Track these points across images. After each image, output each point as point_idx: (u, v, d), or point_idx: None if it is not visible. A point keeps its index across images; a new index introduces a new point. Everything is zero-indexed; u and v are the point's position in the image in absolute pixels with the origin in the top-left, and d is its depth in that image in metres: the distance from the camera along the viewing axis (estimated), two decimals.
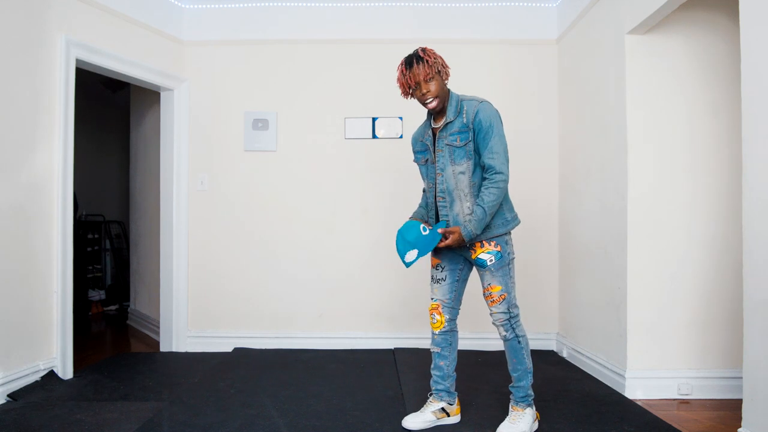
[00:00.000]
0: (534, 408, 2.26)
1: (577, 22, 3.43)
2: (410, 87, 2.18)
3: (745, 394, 1.97)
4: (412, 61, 2.16)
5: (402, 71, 2.18)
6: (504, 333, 2.21)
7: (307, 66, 3.86)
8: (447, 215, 2.22)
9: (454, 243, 2.14)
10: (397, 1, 3.81)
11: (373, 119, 3.83)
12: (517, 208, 2.36)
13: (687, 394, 2.74)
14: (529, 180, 3.79)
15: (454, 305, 2.33)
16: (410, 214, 2.49)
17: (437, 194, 2.23)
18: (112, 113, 6.19)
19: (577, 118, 3.50)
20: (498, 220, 2.19)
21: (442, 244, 2.17)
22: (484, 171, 2.14)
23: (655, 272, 2.78)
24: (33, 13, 2.81)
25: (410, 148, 2.47)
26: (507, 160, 2.14)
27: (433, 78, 2.14)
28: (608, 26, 2.99)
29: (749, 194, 1.95)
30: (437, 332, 2.32)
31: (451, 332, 2.34)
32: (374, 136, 3.83)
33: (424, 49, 2.18)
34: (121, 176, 6.12)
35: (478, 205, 2.11)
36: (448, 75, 2.20)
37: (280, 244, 3.84)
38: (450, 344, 2.34)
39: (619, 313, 2.86)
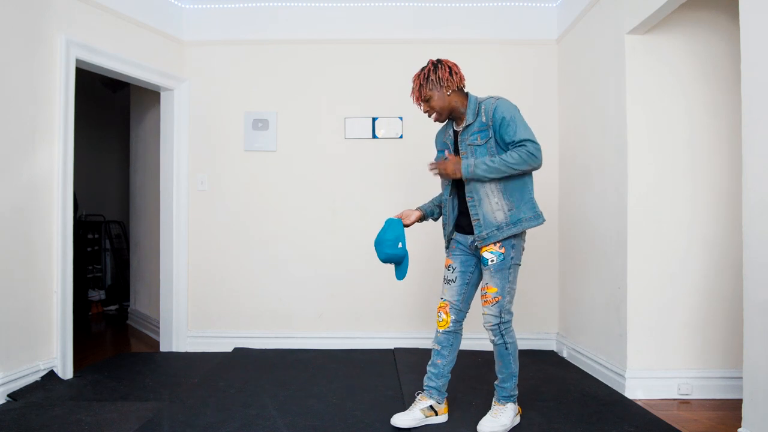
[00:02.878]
0: (516, 403, 2.31)
1: (577, 22, 3.43)
2: (418, 101, 2.30)
3: (745, 394, 1.97)
4: (413, 82, 2.28)
5: (412, 88, 2.31)
6: (493, 338, 2.24)
7: (307, 66, 3.86)
8: (477, 214, 2.22)
9: (447, 167, 2.20)
10: (397, 1, 3.81)
11: (373, 119, 3.83)
12: None
13: (687, 394, 2.74)
14: None
15: (461, 307, 2.34)
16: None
17: (466, 195, 2.25)
18: (112, 113, 6.19)
19: (577, 118, 3.50)
20: (515, 216, 2.19)
21: (435, 166, 2.26)
22: (514, 145, 2.15)
23: (655, 272, 2.78)
24: (33, 13, 2.81)
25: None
26: (537, 142, 2.14)
27: (429, 97, 2.24)
28: (608, 26, 2.99)
29: (749, 194, 1.95)
30: (441, 331, 2.34)
31: (454, 333, 2.35)
32: (374, 136, 3.83)
33: (424, 68, 2.27)
34: (121, 176, 6.12)
35: (498, 156, 2.13)
36: (454, 84, 2.23)
37: (280, 244, 3.84)
38: (451, 345, 2.35)
39: (619, 313, 2.86)
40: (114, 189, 6.24)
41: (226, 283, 3.84)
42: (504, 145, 2.17)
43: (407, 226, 2.41)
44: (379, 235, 2.34)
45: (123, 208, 5.94)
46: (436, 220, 2.51)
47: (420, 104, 2.29)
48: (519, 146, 2.12)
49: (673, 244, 2.78)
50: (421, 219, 2.45)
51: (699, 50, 2.76)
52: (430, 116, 2.30)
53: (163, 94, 3.84)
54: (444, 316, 2.33)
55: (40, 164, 2.88)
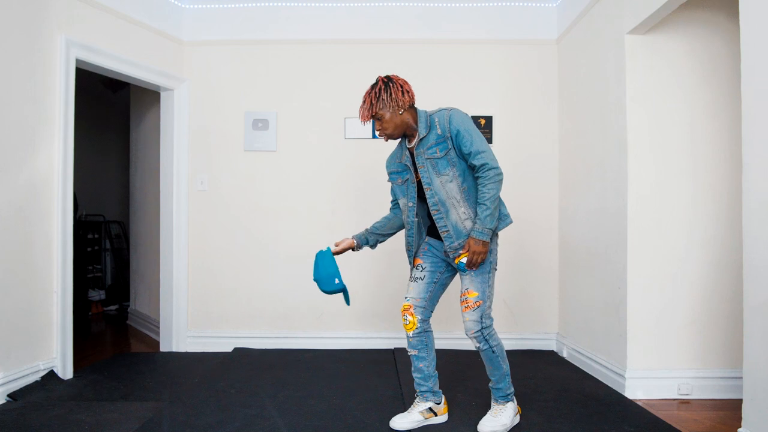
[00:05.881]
0: (515, 402, 2.31)
1: (577, 22, 3.43)
2: (365, 119, 2.25)
3: (745, 394, 1.97)
4: (362, 101, 2.23)
5: (360, 106, 2.25)
6: (478, 344, 2.21)
7: (307, 66, 3.86)
8: (445, 225, 2.20)
9: (476, 254, 2.11)
10: (397, 1, 3.81)
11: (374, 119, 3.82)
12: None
13: (687, 394, 2.74)
14: (529, 180, 3.79)
15: (426, 306, 2.32)
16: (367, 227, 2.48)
17: (430, 208, 2.23)
18: (112, 113, 6.19)
19: (577, 118, 3.50)
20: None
21: (470, 263, 2.16)
22: (476, 171, 2.14)
23: (655, 272, 2.78)
24: (33, 13, 2.81)
25: None
26: (490, 150, 2.14)
27: (381, 116, 2.19)
28: (608, 26, 2.99)
29: (749, 195, 1.95)
30: (411, 334, 2.31)
31: (425, 333, 2.33)
32: (374, 136, 3.83)
33: (374, 85, 2.21)
34: (121, 176, 6.12)
35: (479, 203, 2.11)
36: (406, 103, 2.19)
37: (280, 244, 3.84)
38: (426, 345, 2.33)
39: (619, 313, 2.86)
40: (114, 189, 6.24)
41: (226, 283, 3.84)
42: (462, 156, 2.16)
43: (337, 253, 2.38)
44: (314, 274, 2.34)
45: (123, 208, 5.94)
46: (373, 247, 2.47)
47: (367, 121, 2.25)
48: (486, 174, 2.10)
49: (673, 244, 2.78)
50: (355, 248, 2.42)
51: (699, 50, 2.76)
52: (381, 135, 2.25)
53: (163, 94, 3.84)
54: (410, 318, 2.30)
55: (40, 164, 2.88)
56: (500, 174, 2.12)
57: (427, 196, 2.22)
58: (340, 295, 2.37)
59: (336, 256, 2.39)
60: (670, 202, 2.78)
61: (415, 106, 2.28)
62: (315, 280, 2.34)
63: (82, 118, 3.79)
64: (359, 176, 3.84)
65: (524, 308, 3.81)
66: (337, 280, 2.30)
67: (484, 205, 2.09)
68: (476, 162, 2.12)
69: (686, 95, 2.77)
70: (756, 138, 1.91)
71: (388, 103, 2.17)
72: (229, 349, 3.75)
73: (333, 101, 3.85)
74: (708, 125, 2.77)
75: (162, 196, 3.85)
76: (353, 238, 2.42)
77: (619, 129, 2.87)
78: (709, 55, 2.76)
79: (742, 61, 1.97)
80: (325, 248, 2.36)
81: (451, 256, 2.24)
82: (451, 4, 3.80)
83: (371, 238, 2.43)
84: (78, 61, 3.09)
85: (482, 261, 2.14)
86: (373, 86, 2.21)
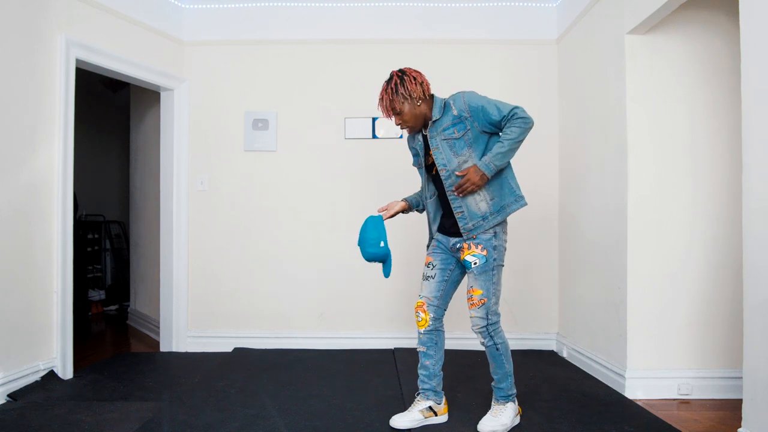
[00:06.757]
0: (516, 402, 2.31)
1: (577, 22, 3.43)
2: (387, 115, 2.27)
3: (745, 394, 1.97)
4: (379, 97, 2.24)
5: (379, 102, 2.27)
6: (483, 340, 2.23)
7: (307, 66, 3.86)
8: (460, 206, 2.22)
9: (470, 181, 2.13)
10: (397, 1, 3.81)
11: (373, 119, 3.83)
12: None
13: (687, 394, 2.74)
14: (530, 180, 3.77)
15: (439, 304, 2.33)
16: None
17: (446, 189, 2.25)
18: (112, 113, 6.19)
19: (577, 118, 3.50)
20: (498, 204, 2.21)
21: (460, 186, 2.17)
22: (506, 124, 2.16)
23: (655, 272, 2.78)
24: (33, 13, 2.81)
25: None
26: (525, 110, 2.15)
27: (400, 111, 2.21)
28: (608, 26, 2.99)
29: (749, 195, 1.95)
30: (422, 331, 2.33)
31: (436, 331, 2.34)
32: (374, 136, 3.83)
33: (389, 81, 2.22)
34: (121, 176, 6.12)
35: (498, 141, 2.14)
36: (421, 94, 2.21)
37: (280, 244, 3.84)
38: (436, 344, 2.34)
39: (619, 313, 2.86)
40: (114, 189, 6.24)
41: (226, 283, 3.84)
42: (492, 126, 2.18)
43: (390, 217, 2.42)
44: (360, 235, 2.35)
45: (123, 208, 5.93)
46: (421, 212, 2.52)
47: (390, 117, 2.26)
48: (509, 119, 2.13)
49: (673, 244, 2.78)
50: (406, 210, 2.46)
51: (699, 50, 2.76)
52: (402, 128, 2.30)
53: (163, 94, 3.84)
54: (422, 315, 2.32)
55: (40, 164, 2.88)
56: (527, 121, 2.12)
57: (442, 177, 2.24)
58: (376, 273, 2.37)
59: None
60: (670, 202, 2.78)
61: (431, 93, 2.30)
62: (359, 243, 2.33)
63: (82, 118, 3.79)
64: (359, 176, 3.84)
65: (524, 308, 3.81)
66: (382, 243, 2.30)
67: (501, 143, 2.12)
68: (506, 119, 2.14)
69: (686, 95, 2.78)
70: (756, 138, 1.91)
71: (406, 96, 2.19)
72: (229, 349, 3.75)
73: (333, 101, 3.85)
74: (708, 125, 2.77)
75: (162, 196, 3.85)
76: (404, 200, 2.46)
77: (619, 129, 2.86)
78: (709, 55, 2.76)
79: (742, 61, 1.97)
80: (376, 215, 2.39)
81: (457, 247, 2.25)
82: (451, 4, 3.80)
83: (421, 202, 2.47)
84: (78, 61, 3.09)
85: (471, 192, 2.16)
86: (388, 81, 2.23)
